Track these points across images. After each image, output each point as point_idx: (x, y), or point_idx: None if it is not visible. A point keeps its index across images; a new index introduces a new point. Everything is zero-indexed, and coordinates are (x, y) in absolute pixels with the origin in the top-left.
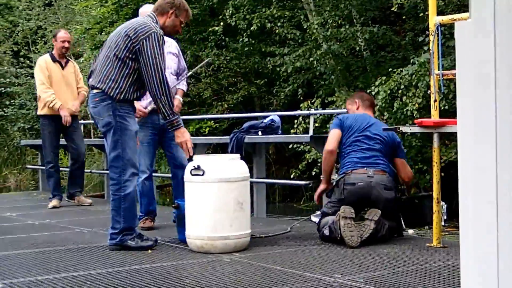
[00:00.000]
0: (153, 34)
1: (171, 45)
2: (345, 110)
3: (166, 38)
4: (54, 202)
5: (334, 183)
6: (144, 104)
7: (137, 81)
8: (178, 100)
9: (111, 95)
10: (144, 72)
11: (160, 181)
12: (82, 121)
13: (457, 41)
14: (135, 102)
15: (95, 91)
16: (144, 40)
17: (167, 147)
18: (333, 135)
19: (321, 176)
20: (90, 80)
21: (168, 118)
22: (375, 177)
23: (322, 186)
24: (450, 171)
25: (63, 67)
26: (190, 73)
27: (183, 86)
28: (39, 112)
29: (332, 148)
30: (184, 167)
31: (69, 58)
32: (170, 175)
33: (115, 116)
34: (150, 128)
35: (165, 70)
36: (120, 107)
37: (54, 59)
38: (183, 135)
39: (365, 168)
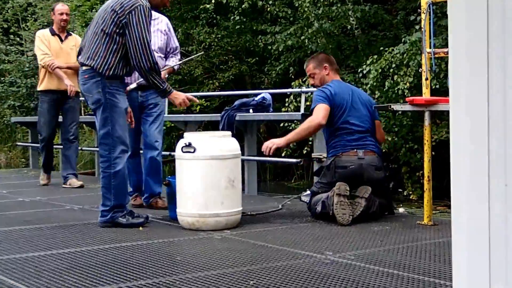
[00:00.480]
0: (139, 7)
1: (161, 22)
2: None
3: (157, 15)
4: (45, 179)
5: (324, 166)
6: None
7: (125, 56)
8: (162, 73)
9: (100, 71)
10: (131, 45)
11: None
12: None
13: (450, 18)
14: None
15: (84, 68)
16: (130, 14)
17: (142, 124)
18: (325, 110)
19: (289, 135)
20: (80, 57)
21: (160, 87)
22: (365, 159)
23: (281, 143)
24: (440, 150)
25: (62, 41)
26: (180, 62)
27: (171, 63)
28: (39, 88)
29: (324, 122)
30: (154, 148)
31: (70, 32)
32: (164, 152)
33: (104, 93)
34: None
35: (150, 42)
36: (109, 84)
37: (53, 33)
38: (179, 95)
39: (355, 150)
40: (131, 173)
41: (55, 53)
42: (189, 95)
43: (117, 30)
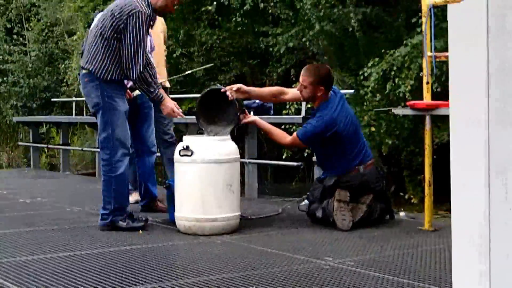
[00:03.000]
0: (137, 13)
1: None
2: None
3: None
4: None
5: (325, 185)
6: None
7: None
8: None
9: (98, 75)
10: (123, 51)
11: None
12: (74, 98)
13: (450, 24)
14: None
15: (84, 71)
16: (128, 19)
17: (138, 127)
18: (299, 145)
19: (267, 126)
20: (81, 60)
21: (149, 96)
22: (367, 174)
23: (256, 123)
24: (442, 153)
25: (151, 26)
26: (188, 73)
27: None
28: None
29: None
30: (153, 152)
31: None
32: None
33: (103, 96)
34: None
35: (145, 50)
36: (108, 87)
37: None
38: (166, 106)
39: (357, 166)
40: None
41: None
42: (178, 111)
43: (115, 35)
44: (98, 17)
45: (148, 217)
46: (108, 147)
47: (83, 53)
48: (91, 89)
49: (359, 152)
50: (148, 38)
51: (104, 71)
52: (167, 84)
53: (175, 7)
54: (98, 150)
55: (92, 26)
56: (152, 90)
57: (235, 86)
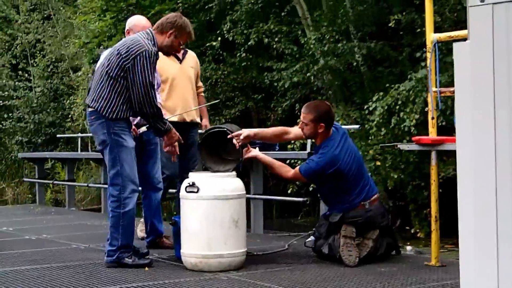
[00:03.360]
0: (144, 52)
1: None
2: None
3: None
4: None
5: (331, 222)
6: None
7: (129, 99)
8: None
9: (104, 114)
10: (133, 91)
11: None
12: (80, 134)
13: (456, 63)
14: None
15: (90, 109)
16: (135, 59)
17: (143, 164)
18: (300, 180)
19: (274, 163)
20: (86, 98)
21: (162, 130)
22: (372, 210)
23: (258, 157)
24: (448, 187)
25: (180, 60)
26: (195, 108)
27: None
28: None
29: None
30: (159, 189)
31: (186, 49)
32: (171, 190)
33: (109, 134)
34: None
35: (154, 87)
36: (114, 124)
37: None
38: (176, 134)
39: (362, 202)
40: None
41: (174, 77)
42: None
43: (122, 74)
44: (104, 54)
45: (154, 253)
46: (118, 184)
47: (89, 91)
48: (97, 127)
49: (363, 188)
50: (155, 75)
51: (110, 110)
52: (198, 119)
53: (180, 46)
54: (104, 186)
55: (98, 64)
56: (165, 120)
57: (242, 135)
